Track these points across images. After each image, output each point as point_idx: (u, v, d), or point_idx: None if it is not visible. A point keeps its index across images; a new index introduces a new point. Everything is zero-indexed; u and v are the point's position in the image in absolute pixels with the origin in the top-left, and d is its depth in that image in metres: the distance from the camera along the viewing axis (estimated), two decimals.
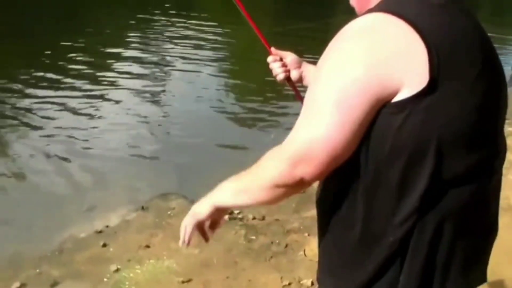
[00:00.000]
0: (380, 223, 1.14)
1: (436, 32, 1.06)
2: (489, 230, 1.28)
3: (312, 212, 4.18)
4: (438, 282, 1.18)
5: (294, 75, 1.75)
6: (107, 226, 4.12)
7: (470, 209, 1.15)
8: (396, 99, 1.04)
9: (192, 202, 4.23)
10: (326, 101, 1.07)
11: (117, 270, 3.52)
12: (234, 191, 1.29)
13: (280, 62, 1.71)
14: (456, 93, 1.07)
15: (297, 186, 1.14)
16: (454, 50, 1.08)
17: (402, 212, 1.11)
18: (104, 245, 3.83)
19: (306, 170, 1.11)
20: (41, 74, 8.00)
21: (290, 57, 1.72)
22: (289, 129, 1.16)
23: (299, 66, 1.75)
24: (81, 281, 3.45)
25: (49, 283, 3.45)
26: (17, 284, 3.46)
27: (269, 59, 1.73)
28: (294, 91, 1.76)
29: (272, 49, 1.75)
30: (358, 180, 1.14)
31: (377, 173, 1.11)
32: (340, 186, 1.18)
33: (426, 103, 1.03)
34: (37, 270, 3.61)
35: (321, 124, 1.08)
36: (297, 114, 1.16)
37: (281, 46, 1.78)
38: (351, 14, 1.27)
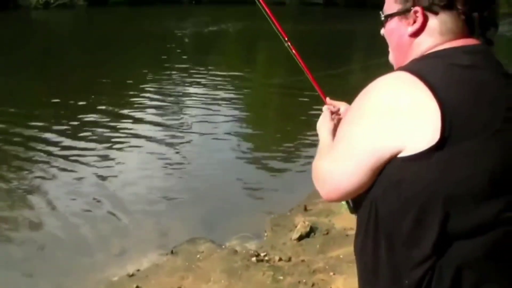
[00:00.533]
0: (396, 268, 1.24)
1: (454, 92, 1.15)
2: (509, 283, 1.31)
3: (337, 252, 4.32)
4: None
5: None
6: (138, 270, 4.26)
7: (488, 259, 1.20)
8: (407, 152, 1.16)
9: (220, 246, 4.44)
10: (343, 150, 1.30)
11: None
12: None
13: (332, 115, 1.80)
14: (468, 151, 1.13)
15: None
16: (471, 108, 1.15)
17: (414, 260, 1.20)
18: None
19: (322, 192, 1.37)
20: (66, 121, 8.40)
21: (343, 107, 1.84)
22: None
23: None
24: None
25: None
26: None
27: (324, 108, 1.85)
28: None
29: (327, 99, 1.92)
30: (377, 226, 1.27)
31: (390, 223, 1.23)
32: (365, 235, 1.31)
33: (436, 159, 1.12)
34: None
35: (336, 165, 1.31)
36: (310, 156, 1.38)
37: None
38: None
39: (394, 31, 1.37)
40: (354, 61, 15.92)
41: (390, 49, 1.44)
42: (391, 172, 1.19)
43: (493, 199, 1.17)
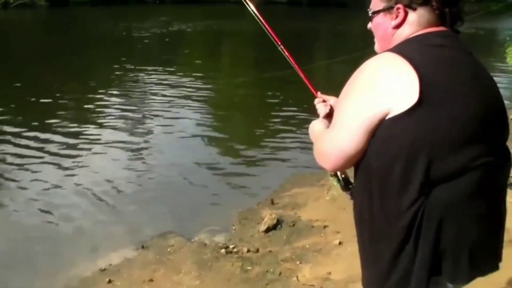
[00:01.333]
0: (391, 213, 1.49)
1: (428, 63, 1.44)
2: (495, 222, 1.59)
3: (303, 242, 4.49)
4: (448, 270, 1.49)
5: None
6: (110, 265, 4.35)
7: (469, 199, 1.47)
8: (390, 115, 1.43)
9: (190, 239, 4.57)
10: (342, 124, 1.55)
11: None
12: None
13: (324, 103, 2.07)
14: (443, 108, 1.41)
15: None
16: (442, 75, 1.45)
17: (405, 203, 1.46)
18: (110, 281, 4.06)
19: (328, 163, 1.61)
20: (24, 129, 8.21)
21: (333, 100, 2.07)
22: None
23: None
24: None
25: None
26: None
27: (316, 101, 2.11)
28: None
29: (318, 93, 2.14)
30: (370, 181, 1.53)
31: (383, 175, 1.49)
32: (362, 190, 1.59)
33: (417, 115, 1.41)
34: None
35: (337, 138, 1.55)
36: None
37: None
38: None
39: (380, 25, 1.66)
40: (319, 58, 16.17)
41: (376, 40, 1.72)
42: (382, 133, 1.46)
43: (467, 148, 1.46)
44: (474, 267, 1.52)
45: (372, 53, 1.65)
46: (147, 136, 7.88)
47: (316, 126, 1.89)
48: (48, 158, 6.86)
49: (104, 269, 4.28)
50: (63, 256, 4.54)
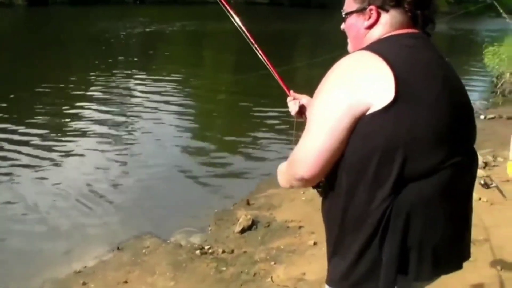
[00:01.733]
0: (361, 209, 1.51)
1: (402, 63, 1.47)
2: (461, 222, 1.62)
3: (277, 243, 4.54)
4: (414, 264, 1.51)
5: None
6: (85, 267, 4.35)
7: (437, 199, 1.50)
8: (370, 111, 1.44)
9: (165, 240, 4.58)
10: (318, 122, 1.52)
11: None
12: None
13: (295, 101, 2.10)
14: (416, 108, 1.44)
15: (303, 184, 1.59)
16: (416, 75, 1.47)
17: (377, 199, 1.48)
18: (84, 284, 4.06)
19: (304, 172, 1.54)
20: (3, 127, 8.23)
21: (305, 99, 2.10)
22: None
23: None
24: None
25: None
26: None
27: (288, 99, 2.14)
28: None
29: (291, 91, 2.17)
30: (343, 177, 1.53)
31: (359, 170, 1.49)
32: (333, 186, 1.58)
33: (393, 113, 1.42)
34: None
35: (314, 139, 1.52)
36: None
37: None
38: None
39: (353, 26, 1.69)
40: (300, 58, 16.26)
41: (349, 40, 1.74)
42: (362, 128, 1.46)
43: (438, 148, 1.49)
44: (437, 266, 1.54)
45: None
46: (124, 138, 7.88)
47: (281, 165, 1.81)
48: (24, 159, 6.83)
49: (79, 271, 4.27)
50: (38, 258, 4.53)
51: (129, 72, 13.39)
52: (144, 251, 4.52)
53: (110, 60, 15.32)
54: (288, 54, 17.15)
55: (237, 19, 2.29)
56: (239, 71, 12.92)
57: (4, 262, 4.47)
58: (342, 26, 1.75)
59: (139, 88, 11.43)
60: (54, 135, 7.94)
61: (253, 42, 2.27)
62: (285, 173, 1.67)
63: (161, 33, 22.76)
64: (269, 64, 2.25)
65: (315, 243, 4.42)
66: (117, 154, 7.11)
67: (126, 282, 4.03)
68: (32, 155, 6.98)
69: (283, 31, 23.58)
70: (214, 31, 21.89)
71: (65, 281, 4.19)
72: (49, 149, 7.25)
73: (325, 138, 1.49)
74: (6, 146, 7.36)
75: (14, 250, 4.69)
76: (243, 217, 4.88)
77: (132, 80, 12.42)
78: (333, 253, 1.67)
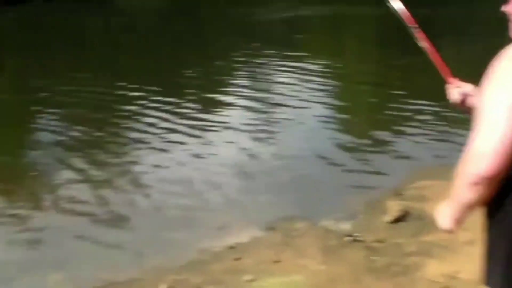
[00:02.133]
0: None
1: None
2: None
3: (429, 237, 4.40)
4: None
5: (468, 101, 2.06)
6: (238, 243, 4.56)
7: None
8: None
9: (315, 224, 4.64)
10: (495, 116, 1.39)
11: (251, 280, 3.94)
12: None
13: (458, 88, 2.03)
14: None
15: (488, 183, 1.44)
16: None
17: None
18: (237, 259, 4.26)
19: (488, 168, 1.41)
20: (154, 104, 8.84)
21: (468, 87, 2.03)
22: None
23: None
24: None
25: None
26: (165, 286, 3.96)
27: (449, 86, 2.07)
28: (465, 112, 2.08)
29: (453, 79, 2.09)
30: None
31: None
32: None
33: None
34: (180, 277, 4.09)
35: (494, 135, 1.38)
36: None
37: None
38: None
39: None
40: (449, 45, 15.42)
41: (510, 25, 1.58)
42: None
43: None
44: None
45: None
46: (273, 123, 7.99)
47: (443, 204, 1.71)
48: (179, 137, 7.30)
49: (232, 247, 4.49)
50: (195, 232, 4.83)
51: (274, 53, 13.59)
52: (295, 233, 4.62)
53: (256, 43, 15.63)
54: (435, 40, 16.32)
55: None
56: (388, 55, 12.51)
57: (164, 235, 4.81)
58: (503, 7, 1.57)
59: (284, 73, 11.50)
60: (200, 118, 8.29)
61: (412, 25, 2.17)
62: (462, 174, 1.51)
63: (303, 18, 22.76)
64: (431, 48, 2.12)
65: (469, 242, 4.22)
66: (267, 138, 7.28)
67: (278, 261, 4.16)
68: (187, 133, 7.43)
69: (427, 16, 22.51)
70: (361, 16, 21.44)
71: (219, 253, 4.42)
72: (201, 129, 7.65)
73: (505, 136, 1.36)
74: (163, 124, 7.89)
75: (172, 220, 5.08)
76: (395, 208, 4.79)
77: (276, 63, 12.60)
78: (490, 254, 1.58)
